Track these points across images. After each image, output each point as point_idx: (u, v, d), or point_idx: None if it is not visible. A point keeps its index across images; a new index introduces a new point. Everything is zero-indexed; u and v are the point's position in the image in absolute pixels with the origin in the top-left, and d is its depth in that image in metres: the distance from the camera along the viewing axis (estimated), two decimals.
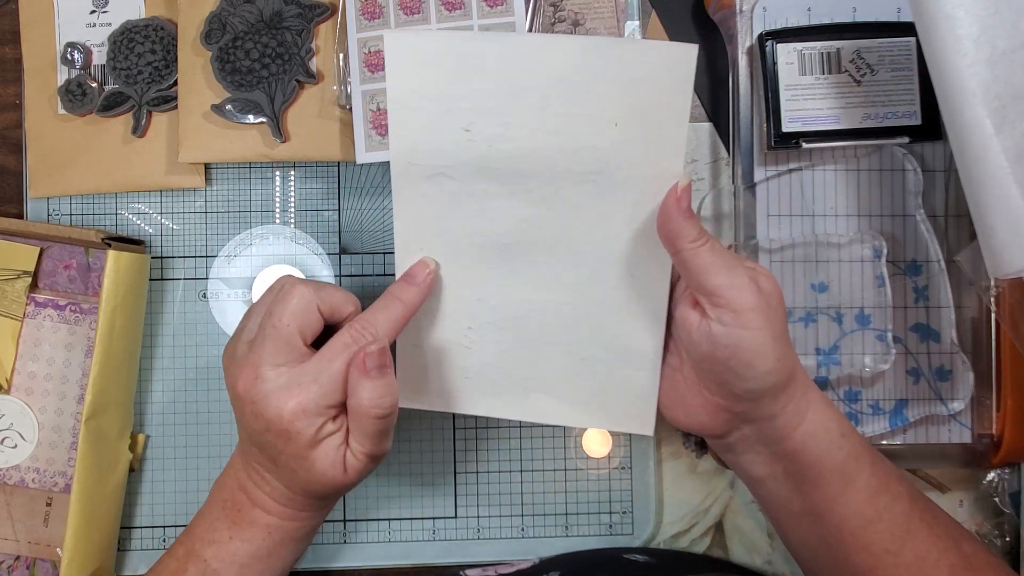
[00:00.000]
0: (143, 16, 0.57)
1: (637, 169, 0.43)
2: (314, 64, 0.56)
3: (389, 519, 0.58)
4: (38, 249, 0.54)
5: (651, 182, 0.43)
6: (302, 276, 0.52)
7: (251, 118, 0.55)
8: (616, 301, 0.45)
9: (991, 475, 0.57)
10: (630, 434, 0.58)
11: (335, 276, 0.58)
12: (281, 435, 0.42)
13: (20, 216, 0.58)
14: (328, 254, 0.58)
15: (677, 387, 0.45)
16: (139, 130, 0.56)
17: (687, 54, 0.41)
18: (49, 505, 0.55)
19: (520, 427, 0.58)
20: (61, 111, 0.57)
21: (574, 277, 0.45)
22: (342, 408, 0.43)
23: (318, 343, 0.44)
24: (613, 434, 0.58)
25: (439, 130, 0.43)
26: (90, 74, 0.57)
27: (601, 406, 0.47)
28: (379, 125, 0.54)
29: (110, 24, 0.57)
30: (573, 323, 0.46)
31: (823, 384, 0.55)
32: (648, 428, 0.47)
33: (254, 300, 0.58)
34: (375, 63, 0.54)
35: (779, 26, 0.53)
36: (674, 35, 0.59)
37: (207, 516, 0.46)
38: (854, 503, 0.42)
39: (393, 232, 0.47)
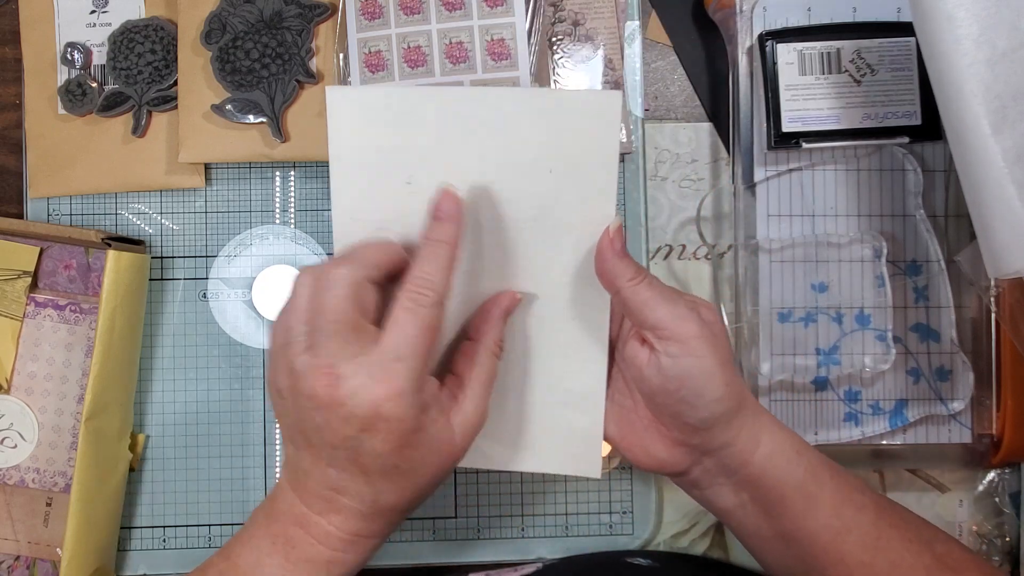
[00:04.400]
0: (143, 16, 0.57)
1: (573, 214, 0.44)
2: (314, 64, 0.56)
3: None
4: (38, 249, 0.54)
5: (587, 226, 0.44)
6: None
7: (251, 118, 0.55)
8: (559, 344, 0.46)
9: (991, 475, 0.57)
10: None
11: None
12: (380, 431, 0.39)
13: (20, 216, 0.58)
14: (328, 254, 0.58)
15: (634, 428, 0.45)
16: (139, 130, 0.56)
17: (610, 102, 0.42)
18: (49, 505, 0.55)
19: None
20: (61, 111, 0.57)
21: (520, 321, 0.46)
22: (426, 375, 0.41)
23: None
24: None
25: (381, 185, 0.44)
26: (90, 74, 0.57)
27: (547, 449, 0.47)
28: None
29: (110, 24, 0.57)
30: (518, 366, 0.46)
31: (823, 384, 0.55)
32: (595, 471, 0.47)
33: (254, 300, 0.58)
34: (375, 63, 0.54)
35: (779, 26, 0.53)
36: (674, 35, 0.59)
37: (254, 548, 0.42)
38: (821, 518, 0.43)
39: None
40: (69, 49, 0.57)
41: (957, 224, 0.55)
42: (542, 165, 0.43)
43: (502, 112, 0.43)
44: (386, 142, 0.43)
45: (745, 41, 0.54)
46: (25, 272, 0.54)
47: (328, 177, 0.58)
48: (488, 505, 0.58)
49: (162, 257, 0.58)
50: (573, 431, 0.47)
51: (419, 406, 0.39)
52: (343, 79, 0.55)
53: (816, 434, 0.55)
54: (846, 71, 0.53)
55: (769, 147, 0.53)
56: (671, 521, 0.58)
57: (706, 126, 0.59)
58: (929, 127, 0.52)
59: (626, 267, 0.42)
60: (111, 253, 0.53)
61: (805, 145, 0.53)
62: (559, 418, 0.47)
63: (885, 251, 0.54)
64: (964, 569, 0.43)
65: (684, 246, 0.58)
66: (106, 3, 0.57)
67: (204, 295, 0.58)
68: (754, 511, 0.44)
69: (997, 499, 0.57)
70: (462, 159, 0.43)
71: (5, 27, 0.59)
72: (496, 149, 0.43)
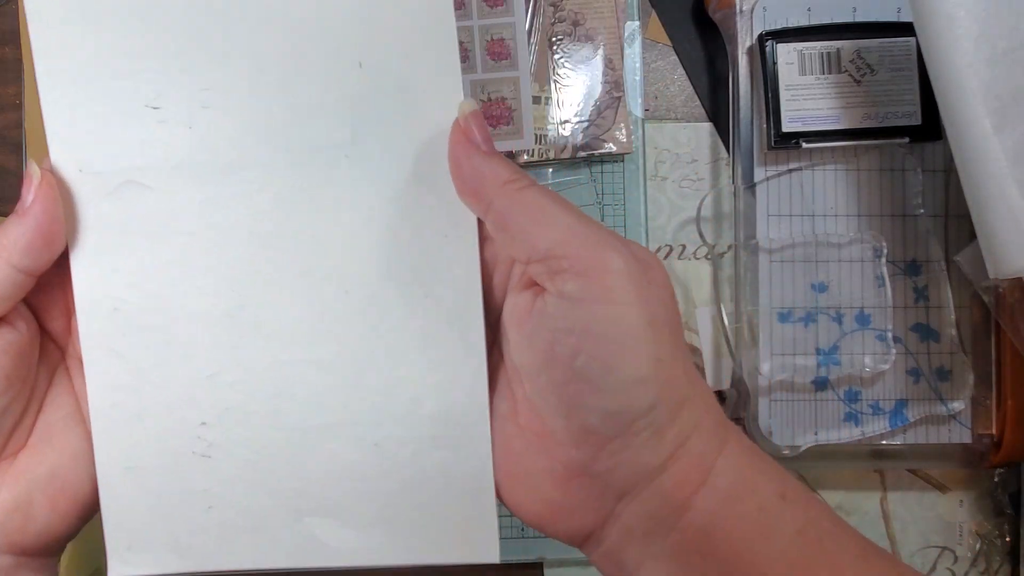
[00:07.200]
0: None
1: (402, 126, 0.29)
2: None
3: None
4: None
5: (427, 140, 0.29)
6: None
7: None
8: (408, 340, 0.30)
9: (991, 475, 0.57)
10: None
11: None
12: None
13: None
14: None
15: (512, 447, 0.29)
16: None
17: None
18: None
19: None
20: None
21: (342, 314, 0.30)
22: None
23: None
24: None
25: (117, 111, 0.29)
26: None
27: (411, 524, 0.31)
28: None
29: None
30: (354, 388, 0.31)
31: (823, 384, 0.55)
32: (490, 552, 0.30)
33: None
34: None
35: (779, 26, 0.53)
36: (674, 35, 0.59)
37: None
38: None
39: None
40: None
41: (957, 224, 0.55)
42: (346, 57, 0.29)
43: None
44: (116, 43, 0.29)
45: (745, 41, 0.54)
46: None
47: None
48: None
49: None
50: (450, 485, 0.30)
51: None
52: None
53: (816, 434, 0.55)
54: (846, 71, 0.53)
55: (769, 147, 0.53)
56: None
57: (706, 126, 0.59)
58: (929, 127, 0.52)
59: (499, 165, 0.27)
60: None
61: (805, 145, 0.53)
62: (425, 464, 0.30)
63: (885, 251, 0.54)
64: None
65: (684, 246, 0.58)
66: None
67: None
68: None
69: (997, 499, 0.57)
70: (229, 61, 0.29)
71: (5, 27, 0.59)
72: (277, 40, 0.29)
